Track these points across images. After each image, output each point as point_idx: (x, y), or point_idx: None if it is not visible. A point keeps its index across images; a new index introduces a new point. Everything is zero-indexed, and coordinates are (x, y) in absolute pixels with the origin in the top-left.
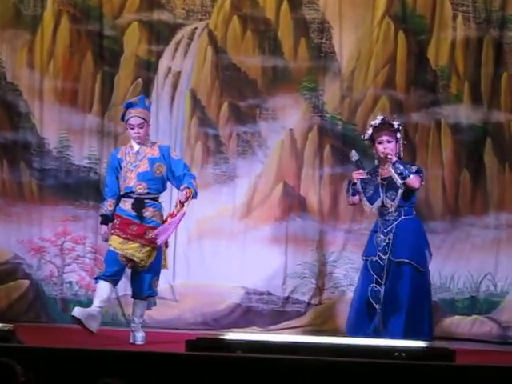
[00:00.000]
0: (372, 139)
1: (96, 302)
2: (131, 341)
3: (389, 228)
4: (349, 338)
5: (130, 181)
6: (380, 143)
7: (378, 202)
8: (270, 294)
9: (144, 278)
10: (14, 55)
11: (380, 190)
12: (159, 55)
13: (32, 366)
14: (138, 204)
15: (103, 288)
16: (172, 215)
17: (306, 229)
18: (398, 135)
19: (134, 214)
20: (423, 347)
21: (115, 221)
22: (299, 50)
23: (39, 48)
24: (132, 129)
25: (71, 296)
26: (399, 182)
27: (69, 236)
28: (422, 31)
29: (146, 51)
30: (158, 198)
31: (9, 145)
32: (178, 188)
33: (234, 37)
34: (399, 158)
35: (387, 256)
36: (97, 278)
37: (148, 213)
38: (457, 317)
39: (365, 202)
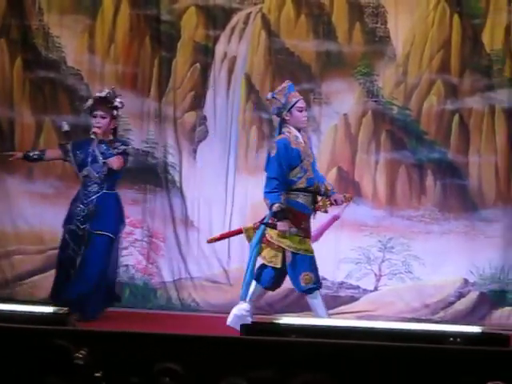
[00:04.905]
0: (90, 111)
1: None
2: None
3: (89, 199)
4: (403, 323)
5: (310, 173)
6: (94, 117)
7: (84, 172)
8: (323, 278)
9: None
10: (75, 40)
11: (89, 159)
12: (215, 40)
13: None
14: (314, 199)
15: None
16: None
17: (361, 214)
18: (115, 112)
19: (311, 209)
20: (479, 333)
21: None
22: (354, 35)
23: (100, 33)
24: (300, 111)
25: (127, 279)
26: (100, 160)
27: (127, 220)
28: (477, 15)
29: (203, 36)
30: None
31: (70, 129)
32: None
33: (288, 21)
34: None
35: (86, 226)
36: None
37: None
38: (507, 308)
39: (74, 167)
